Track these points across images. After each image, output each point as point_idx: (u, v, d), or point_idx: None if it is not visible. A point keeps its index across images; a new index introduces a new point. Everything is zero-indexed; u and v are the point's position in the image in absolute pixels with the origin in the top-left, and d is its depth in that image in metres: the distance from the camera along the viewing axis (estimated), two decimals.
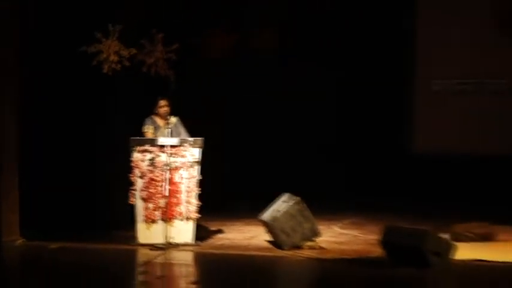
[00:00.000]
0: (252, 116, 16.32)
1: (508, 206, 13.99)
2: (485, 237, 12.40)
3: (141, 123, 12.38)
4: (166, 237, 11.79)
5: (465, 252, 11.12)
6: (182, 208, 12.01)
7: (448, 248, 10.74)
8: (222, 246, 12.18)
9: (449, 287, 10.25)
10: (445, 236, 11.50)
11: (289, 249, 11.61)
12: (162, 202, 11.91)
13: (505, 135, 16.54)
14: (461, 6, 17.04)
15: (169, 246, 11.70)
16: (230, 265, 11.15)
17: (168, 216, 11.87)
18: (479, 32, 16.92)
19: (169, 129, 12.19)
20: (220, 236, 12.96)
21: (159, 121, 12.43)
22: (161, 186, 11.92)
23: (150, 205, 11.95)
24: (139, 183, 12.00)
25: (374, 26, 16.90)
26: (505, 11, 16.74)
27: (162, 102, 12.38)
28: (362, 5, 16.81)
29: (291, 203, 11.87)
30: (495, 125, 16.73)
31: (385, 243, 10.94)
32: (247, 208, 13.66)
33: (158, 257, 11.15)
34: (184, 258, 11.36)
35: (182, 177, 12.06)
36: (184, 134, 12.32)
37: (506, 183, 15.41)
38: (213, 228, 13.22)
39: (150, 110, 12.44)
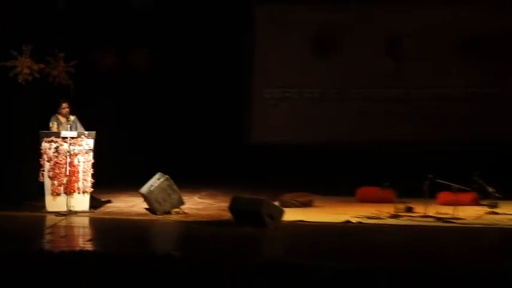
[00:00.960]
0: (134, 114, 16.25)
1: (322, 181, 14.20)
2: (306, 204, 12.68)
3: (48, 120, 12.30)
4: (68, 206, 11.74)
5: (291, 215, 11.35)
6: (80, 184, 11.99)
7: (279, 212, 10.96)
8: (110, 213, 12.15)
9: (280, 241, 10.34)
10: (277, 203, 11.84)
11: (161, 214, 11.71)
12: (64, 180, 11.86)
13: (318, 130, 16.93)
14: (287, 32, 17.06)
15: (70, 213, 11.64)
16: (117, 226, 11.14)
17: (69, 191, 11.83)
18: (300, 53, 17.06)
19: (70, 125, 12.11)
20: (109, 205, 12.86)
21: (62, 119, 12.33)
22: (64, 168, 11.89)
23: (56, 182, 11.89)
24: (47, 165, 11.93)
25: (223, 45, 16.94)
26: (319, 38, 17.11)
27: (64, 105, 12.29)
28: (213, 28, 16.72)
29: (162, 179, 11.98)
30: (311, 122, 17.04)
31: (232, 209, 11.08)
32: (130, 184, 13.63)
33: (62, 221, 11.09)
34: (82, 222, 11.30)
35: (80, 161, 12.03)
36: (80, 128, 12.23)
37: (321, 165, 15.74)
38: (104, 199, 13.05)
39: (55, 110, 12.36)
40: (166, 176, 12.04)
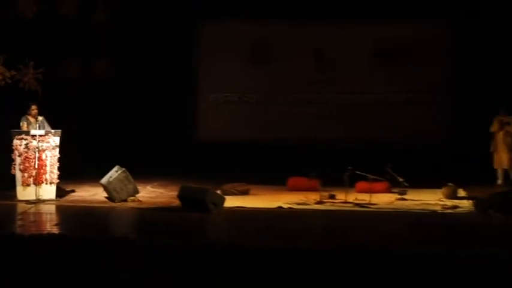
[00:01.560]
0: (95, 114, 16.05)
1: (258, 173, 14.17)
2: (244, 192, 12.67)
3: (19, 121, 12.08)
4: (36, 195, 11.58)
5: (231, 202, 11.38)
6: (47, 176, 11.81)
7: (221, 199, 11.02)
8: (74, 201, 12.02)
9: (222, 224, 10.37)
10: (219, 192, 11.90)
11: (118, 202, 11.62)
12: (33, 172, 11.67)
13: (255, 129, 16.96)
14: (228, 45, 17.07)
15: (38, 201, 11.50)
16: (80, 212, 11.04)
17: (38, 182, 11.66)
18: (239, 63, 17.07)
19: (38, 125, 11.92)
20: (73, 194, 12.69)
21: (31, 119, 12.09)
22: (33, 162, 11.69)
23: (26, 174, 11.69)
24: (18, 160, 11.73)
25: (173, 55, 16.82)
26: (255, 50, 17.18)
27: (33, 107, 12.09)
28: (165, 40, 16.65)
29: (120, 171, 11.85)
30: (249, 122, 17.07)
31: (181, 197, 11.07)
32: (91, 175, 13.45)
33: (31, 209, 10.97)
34: (49, 209, 11.16)
35: (47, 156, 11.85)
36: (48, 127, 12.03)
37: (257, 159, 15.66)
38: (68, 189, 12.89)
39: (25, 112, 12.14)
40: (123, 169, 11.92)
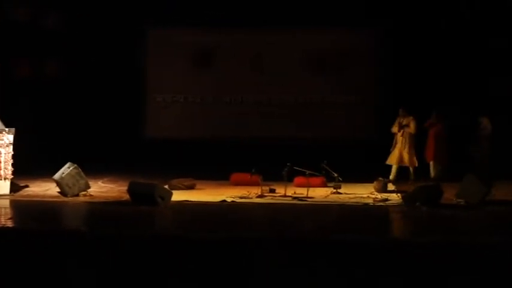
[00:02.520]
0: (48, 113, 15.84)
1: (203, 169, 14.17)
2: (190, 187, 12.66)
3: None
4: None
5: (178, 196, 11.37)
6: (1, 172, 11.60)
7: (168, 194, 11.02)
8: (28, 196, 11.84)
9: (169, 217, 10.42)
10: (166, 186, 11.90)
11: (71, 197, 11.49)
12: None
13: (199, 128, 16.94)
14: (174, 49, 16.94)
15: None
16: (33, 207, 10.92)
17: None
18: (184, 66, 17.00)
19: None
20: (27, 189, 12.45)
21: None
22: None
23: None
24: None
25: (123, 59, 16.65)
26: (199, 55, 17.15)
27: None
28: (116, 44, 16.44)
29: (72, 167, 11.72)
30: (194, 121, 16.95)
31: (130, 191, 11.03)
32: (44, 171, 13.25)
33: None
34: (3, 204, 10.98)
35: (1, 153, 11.65)
36: (1, 126, 11.82)
37: (202, 156, 15.65)
38: (22, 184, 12.64)
39: None
40: (75, 165, 11.80)
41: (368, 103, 16.61)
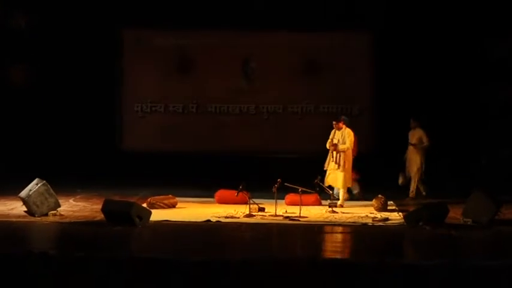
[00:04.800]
0: (15, 124, 15.87)
1: (185, 185, 14.23)
2: (170, 206, 12.63)
3: None
4: None
5: (157, 215, 11.37)
6: None
7: (147, 213, 10.99)
8: None
9: (147, 238, 10.38)
10: (144, 204, 11.91)
11: (39, 216, 11.39)
12: None
13: (181, 139, 16.99)
14: (153, 53, 16.99)
15: None
16: None
17: None
18: (164, 72, 17.02)
19: None
20: None
21: None
22: None
23: None
24: None
25: (97, 65, 16.58)
26: (181, 60, 17.19)
27: None
28: (90, 49, 16.49)
29: (40, 184, 11.63)
30: (175, 132, 16.95)
31: (105, 211, 10.99)
32: (9, 188, 13.15)
33: None
34: None
35: None
36: None
37: (184, 171, 15.70)
38: None
39: None
40: (44, 181, 11.72)
41: (366, 113, 16.69)
